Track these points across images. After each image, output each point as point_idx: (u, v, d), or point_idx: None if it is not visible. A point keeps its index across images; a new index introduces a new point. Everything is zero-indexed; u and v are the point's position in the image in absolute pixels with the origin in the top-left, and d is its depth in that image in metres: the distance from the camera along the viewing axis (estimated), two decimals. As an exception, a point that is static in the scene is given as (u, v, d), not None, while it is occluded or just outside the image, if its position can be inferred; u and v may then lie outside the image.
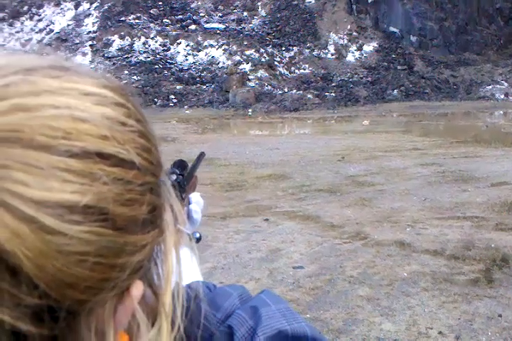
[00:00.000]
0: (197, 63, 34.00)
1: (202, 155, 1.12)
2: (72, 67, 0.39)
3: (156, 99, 30.07)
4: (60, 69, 0.38)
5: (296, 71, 33.55)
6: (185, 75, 32.84)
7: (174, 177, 0.91)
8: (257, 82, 30.64)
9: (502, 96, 30.62)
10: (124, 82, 31.77)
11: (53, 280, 0.33)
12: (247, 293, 0.64)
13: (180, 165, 0.96)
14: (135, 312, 0.41)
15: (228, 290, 0.64)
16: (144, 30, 36.05)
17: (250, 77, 31.02)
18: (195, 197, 1.02)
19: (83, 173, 0.34)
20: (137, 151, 0.38)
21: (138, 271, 0.39)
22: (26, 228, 0.32)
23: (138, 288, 0.40)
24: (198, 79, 32.48)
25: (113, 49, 35.09)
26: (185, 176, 0.96)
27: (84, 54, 34.79)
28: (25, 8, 39.77)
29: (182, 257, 0.77)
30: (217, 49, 34.35)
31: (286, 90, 30.61)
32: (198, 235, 0.92)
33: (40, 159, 0.33)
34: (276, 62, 33.54)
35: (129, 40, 35.51)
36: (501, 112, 25.17)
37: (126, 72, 32.87)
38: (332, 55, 35.25)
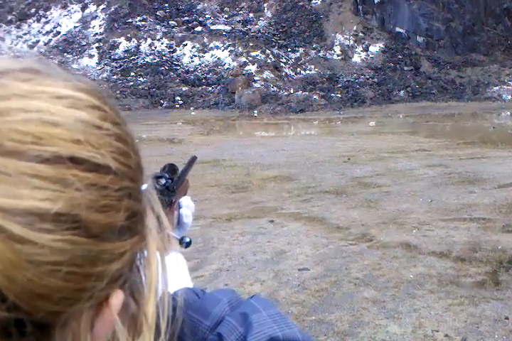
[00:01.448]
0: (203, 65, 34.06)
1: (193, 159, 1.12)
2: (45, 69, 0.38)
3: (162, 101, 30.15)
4: (31, 72, 0.37)
5: (302, 72, 33.53)
6: (191, 77, 32.91)
7: (163, 181, 0.90)
8: (263, 83, 30.64)
9: (509, 97, 30.45)
10: (131, 83, 31.90)
11: (24, 291, 0.31)
12: (237, 298, 0.63)
13: (169, 169, 0.96)
14: (114, 324, 0.39)
15: (217, 296, 0.62)
16: (150, 31, 36.16)
17: (256, 78, 31.04)
18: (186, 201, 1.01)
19: (54, 179, 0.33)
20: (113, 155, 0.36)
21: (117, 280, 0.37)
22: None
23: (118, 298, 0.38)
24: (203, 80, 32.54)
25: (119, 51, 35.22)
26: (174, 180, 0.96)
27: (90, 56, 34.95)
28: (33, 10, 40.01)
29: (170, 263, 0.77)
30: (223, 50, 34.40)
31: (291, 91, 30.59)
32: (187, 240, 0.92)
33: (8, 165, 0.32)
34: (282, 63, 33.54)
35: (136, 41, 35.63)
36: (508, 113, 25.01)
37: (132, 73, 32.98)
38: (338, 55, 35.20)
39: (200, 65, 34.13)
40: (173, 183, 0.94)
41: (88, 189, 0.34)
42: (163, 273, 0.45)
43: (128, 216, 0.37)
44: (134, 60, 34.31)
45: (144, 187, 0.42)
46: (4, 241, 0.30)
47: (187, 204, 1.01)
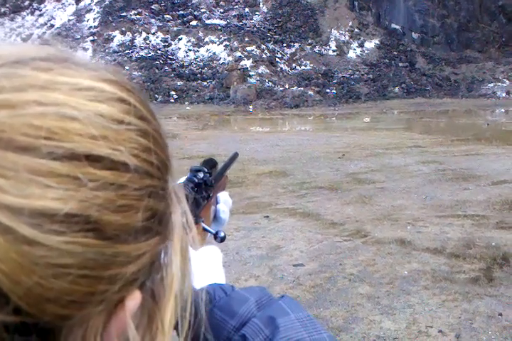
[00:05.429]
0: (198, 59, 33.93)
1: (235, 155, 1.11)
2: (70, 58, 0.36)
3: (156, 95, 30.02)
4: (53, 61, 0.34)
5: (298, 67, 33.48)
6: (186, 71, 32.78)
7: (201, 174, 0.89)
8: (258, 78, 30.58)
9: (503, 94, 30.56)
10: (125, 77, 31.71)
11: (30, 294, 0.30)
12: (267, 297, 0.60)
13: (208, 163, 0.95)
14: (127, 328, 0.37)
15: (245, 294, 0.60)
16: (145, 25, 35.96)
17: (251, 73, 30.96)
18: (224, 197, 1.00)
19: (67, 178, 0.31)
20: (134, 152, 0.34)
21: (133, 283, 0.35)
22: (0, 238, 0.29)
23: (134, 300, 0.36)
24: (198, 75, 32.42)
25: (114, 44, 35.02)
26: (213, 175, 0.95)
27: (85, 49, 34.71)
28: (27, 2, 39.66)
29: (203, 257, 0.76)
30: (218, 45, 34.27)
31: (287, 87, 30.55)
32: (222, 234, 0.91)
33: (18, 162, 0.30)
34: (277, 59, 33.46)
35: (130, 35, 35.43)
36: (502, 110, 25.10)
37: (127, 67, 32.79)
38: (333, 51, 35.16)
39: (195, 59, 34.00)
40: (211, 177, 0.93)
41: (105, 188, 0.32)
42: (186, 272, 0.42)
43: (148, 216, 0.35)
44: (128, 53, 34.12)
45: (171, 183, 0.39)
46: (11, 242, 0.29)
47: (224, 200, 1.00)
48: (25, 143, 0.30)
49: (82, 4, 38.71)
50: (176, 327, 0.42)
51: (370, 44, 35.74)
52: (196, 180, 0.87)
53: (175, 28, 35.87)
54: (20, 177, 0.30)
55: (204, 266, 0.75)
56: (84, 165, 0.31)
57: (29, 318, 0.30)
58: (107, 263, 0.32)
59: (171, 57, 34.17)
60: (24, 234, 0.29)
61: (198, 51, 34.46)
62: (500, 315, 3.76)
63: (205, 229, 0.90)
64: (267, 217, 6.53)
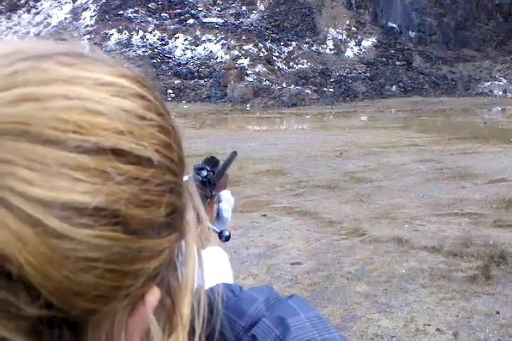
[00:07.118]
0: (195, 58, 33.89)
1: (234, 154, 1.11)
2: (90, 54, 0.36)
3: (153, 94, 29.98)
4: (75, 57, 0.35)
5: (295, 66, 33.47)
6: (183, 70, 32.74)
7: (205, 173, 0.89)
8: (255, 77, 30.55)
9: (500, 93, 30.63)
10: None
11: (59, 288, 0.30)
12: (275, 296, 0.60)
13: (210, 161, 0.95)
14: (149, 323, 0.37)
15: (253, 294, 0.60)
16: (142, 24, 35.89)
17: (248, 72, 30.93)
18: (226, 195, 1.00)
19: (95, 171, 0.31)
20: (156, 148, 0.35)
21: (154, 278, 0.36)
22: (30, 231, 0.29)
23: (154, 295, 0.37)
24: (196, 73, 32.39)
25: (111, 43, 34.94)
26: (215, 173, 0.95)
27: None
28: (23, 1, 39.54)
29: (210, 257, 0.75)
30: (215, 43, 34.23)
31: (284, 85, 30.54)
32: (227, 233, 0.91)
33: (47, 155, 0.30)
34: (274, 57, 33.45)
35: (127, 34, 35.36)
36: (499, 109, 25.16)
37: (123, 66, 32.77)
38: (331, 50, 35.17)
39: (192, 57, 33.96)
40: (214, 176, 0.92)
41: (129, 183, 0.32)
42: (199, 269, 0.43)
43: (169, 212, 0.36)
44: (125, 52, 34.04)
45: (185, 179, 0.40)
46: (40, 235, 0.29)
47: (227, 199, 1.00)
48: (53, 137, 0.30)
49: (78, 2, 38.61)
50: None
51: (368, 42, 35.76)
52: (200, 179, 0.87)
53: (172, 27, 35.81)
54: (49, 171, 0.30)
55: (211, 266, 0.75)
56: (110, 159, 0.32)
57: (59, 313, 0.30)
58: (132, 257, 0.33)
59: (168, 55, 34.13)
60: (54, 227, 0.29)
61: (195, 50, 34.42)
62: (498, 313, 3.77)
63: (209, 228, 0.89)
64: (265, 215, 6.52)
